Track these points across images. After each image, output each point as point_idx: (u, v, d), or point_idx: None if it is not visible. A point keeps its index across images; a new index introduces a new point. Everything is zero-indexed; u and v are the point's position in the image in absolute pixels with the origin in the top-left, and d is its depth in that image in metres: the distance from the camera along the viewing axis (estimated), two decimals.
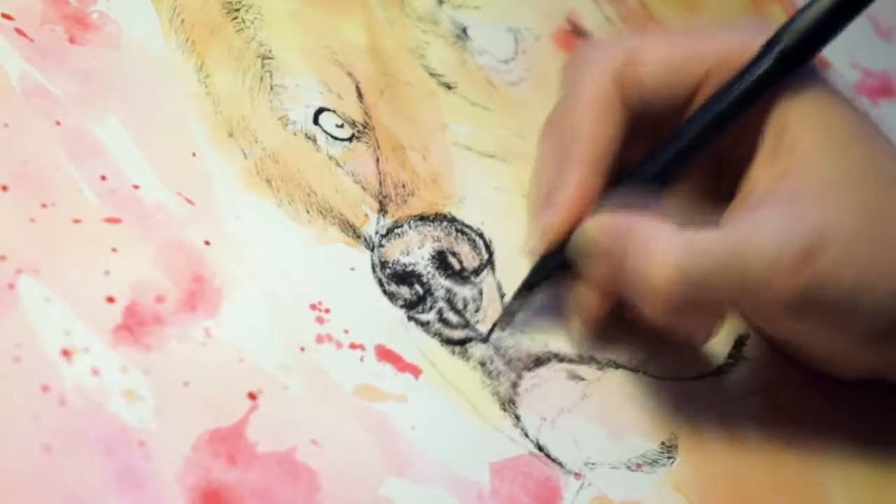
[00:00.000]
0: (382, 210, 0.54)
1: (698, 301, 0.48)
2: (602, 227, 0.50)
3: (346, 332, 0.50)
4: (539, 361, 0.53)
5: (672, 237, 0.48)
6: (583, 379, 0.53)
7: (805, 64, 0.51)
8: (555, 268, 0.52)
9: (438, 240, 0.54)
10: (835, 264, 0.47)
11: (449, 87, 0.58)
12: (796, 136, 0.50)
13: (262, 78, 0.55)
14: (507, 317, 0.53)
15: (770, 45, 0.50)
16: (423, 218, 0.54)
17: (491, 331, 0.52)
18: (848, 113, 0.51)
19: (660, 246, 0.48)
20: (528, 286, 0.53)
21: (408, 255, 0.53)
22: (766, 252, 0.47)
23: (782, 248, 0.47)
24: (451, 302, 0.52)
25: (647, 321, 0.50)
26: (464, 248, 0.54)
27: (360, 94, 0.57)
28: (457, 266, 0.53)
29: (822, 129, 0.50)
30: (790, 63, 0.50)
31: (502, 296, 0.53)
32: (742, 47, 0.51)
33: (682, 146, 0.51)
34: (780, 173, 0.50)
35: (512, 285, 0.53)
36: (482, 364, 0.52)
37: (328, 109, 0.56)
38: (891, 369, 0.53)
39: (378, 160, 0.55)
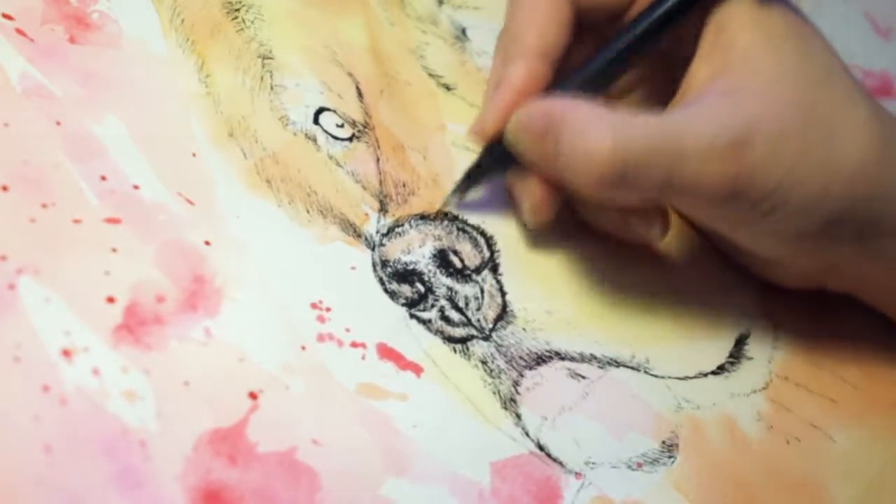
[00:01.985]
0: (383, 209, 0.54)
1: (632, 179, 0.49)
2: (535, 110, 0.51)
3: (348, 330, 0.50)
4: (540, 360, 0.53)
5: (606, 117, 0.49)
6: (584, 378, 0.53)
7: None
8: (501, 156, 0.53)
9: (439, 238, 0.54)
10: (766, 157, 0.49)
11: (448, 88, 0.58)
12: (734, 33, 0.51)
13: (262, 78, 0.55)
14: (455, 196, 0.54)
15: None
16: (423, 217, 0.54)
17: (443, 205, 0.54)
18: (785, 12, 0.52)
19: (594, 125, 0.49)
20: (474, 173, 0.54)
21: (409, 253, 0.53)
22: (700, 138, 0.48)
23: (715, 135, 0.48)
24: (452, 300, 0.52)
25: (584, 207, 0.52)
26: (465, 247, 0.54)
27: (360, 94, 0.57)
28: (458, 264, 0.53)
29: (758, 26, 0.51)
30: None
31: (504, 294, 0.53)
32: None
33: (620, 47, 0.53)
34: (718, 70, 0.51)
35: (513, 283, 0.53)
36: (483, 362, 0.52)
37: (328, 109, 0.56)
38: (828, 277, 0.54)
39: (378, 160, 0.55)
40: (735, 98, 0.50)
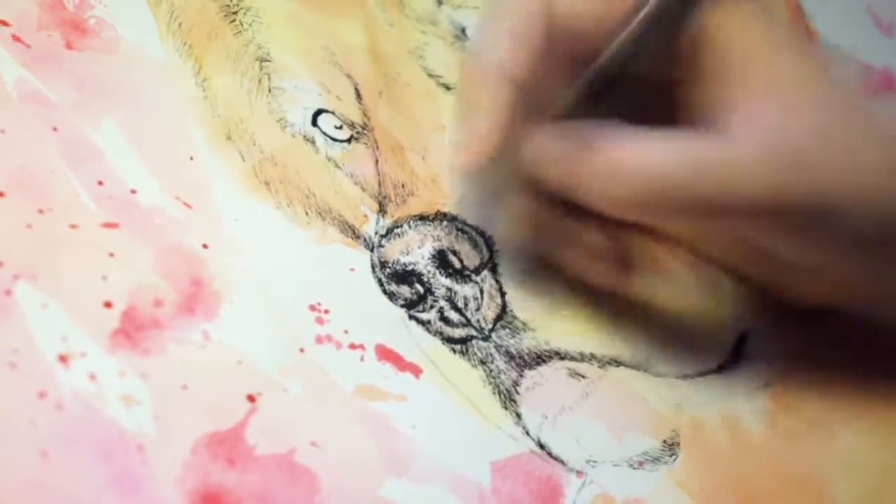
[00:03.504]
0: (382, 210, 0.54)
1: (655, 199, 0.48)
2: (557, 131, 0.50)
3: (346, 332, 0.50)
4: (540, 359, 0.53)
5: (629, 137, 0.48)
6: (584, 377, 0.53)
7: None
8: (486, 181, 0.53)
9: (439, 239, 0.54)
10: (802, 177, 0.48)
11: (448, 88, 0.58)
12: (737, 53, 0.50)
13: (260, 80, 0.55)
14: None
15: None
16: (423, 218, 0.54)
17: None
18: (766, 17, 0.51)
19: (617, 147, 0.48)
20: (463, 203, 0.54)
21: (408, 254, 0.53)
22: (740, 161, 0.48)
23: (756, 159, 0.48)
24: (451, 301, 0.52)
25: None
26: (464, 247, 0.54)
27: (358, 96, 0.57)
28: (457, 265, 0.53)
29: (749, 34, 0.50)
30: None
31: (503, 294, 0.53)
32: None
33: (606, 68, 0.51)
34: (729, 86, 0.50)
35: (512, 284, 0.54)
36: (483, 363, 0.52)
37: (327, 111, 0.56)
38: (841, 297, 0.54)
39: (377, 161, 0.55)
40: (762, 113, 0.49)
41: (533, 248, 0.54)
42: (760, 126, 0.49)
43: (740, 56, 0.50)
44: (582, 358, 0.53)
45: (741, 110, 0.49)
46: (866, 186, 0.49)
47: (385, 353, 0.50)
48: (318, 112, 0.55)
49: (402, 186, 0.55)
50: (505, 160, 0.51)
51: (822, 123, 0.49)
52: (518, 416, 0.51)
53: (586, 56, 0.51)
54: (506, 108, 0.50)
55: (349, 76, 0.57)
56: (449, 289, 0.53)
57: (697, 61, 0.51)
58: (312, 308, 0.50)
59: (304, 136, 0.55)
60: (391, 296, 0.52)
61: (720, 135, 0.49)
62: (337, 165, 0.54)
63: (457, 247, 0.54)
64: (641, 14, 0.50)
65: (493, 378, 0.51)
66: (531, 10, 0.51)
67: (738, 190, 0.48)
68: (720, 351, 0.55)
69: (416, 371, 0.50)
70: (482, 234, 0.55)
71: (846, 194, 0.49)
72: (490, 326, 0.53)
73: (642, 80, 0.52)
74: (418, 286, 0.52)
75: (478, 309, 0.53)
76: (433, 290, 0.53)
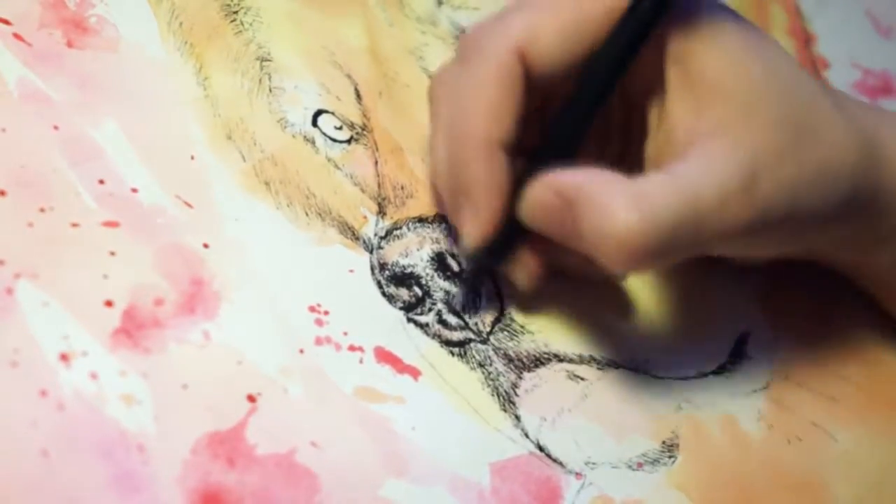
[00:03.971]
0: (381, 212, 0.54)
1: (663, 251, 0.48)
2: (547, 190, 0.50)
3: (346, 333, 0.50)
4: (539, 362, 0.53)
5: (623, 190, 0.48)
6: (583, 379, 0.53)
7: None
8: (495, 252, 0.52)
9: (438, 241, 0.54)
10: (773, 184, 0.48)
11: None
12: (699, 64, 0.50)
13: (260, 80, 0.55)
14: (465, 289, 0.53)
15: None
16: (422, 220, 0.54)
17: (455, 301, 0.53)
18: (737, 25, 0.51)
19: (614, 201, 0.47)
20: (475, 275, 0.53)
21: (407, 256, 0.53)
22: (713, 193, 0.48)
23: (727, 185, 0.48)
24: (450, 303, 0.52)
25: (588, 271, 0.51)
26: None
27: (358, 96, 0.57)
28: (456, 268, 0.53)
29: (720, 51, 0.50)
30: None
31: (501, 297, 0.53)
32: None
33: (585, 103, 0.51)
34: (696, 107, 0.50)
35: (511, 286, 0.53)
36: (482, 365, 0.52)
37: (327, 111, 0.56)
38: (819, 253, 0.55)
39: (377, 162, 0.55)
40: (726, 138, 0.49)
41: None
42: (717, 155, 0.49)
43: (701, 74, 0.50)
44: (580, 360, 0.53)
45: (701, 138, 0.49)
46: (814, 198, 0.50)
47: (384, 356, 0.50)
48: (319, 112, 0.55)
49: (402, 188, 0.55)
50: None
51: (780, 133, 0.49)
52: (517, 417, 0.51)
53: (563, 90, 0.51)
54: (503, 179, 0.50)
55: (349, 76, 0.57)
56: (447, 291, 0.53)
57: (665, 80, 0.51)
58: (312, 309, 0.50)
59: (305, 137, 0.55)
60: (390, 298, 0.52)
61: (687, 168, 0.49)
62: (337, 166, 0.54)
63: (455, 249, 0.54)
64: (614, 38, 0.50)
65: (492, 380, 0.51)
66: (506, 61, 0.50)
67: (706, 229, 0.48)
68: (720, 352, 0.55)
69: (415, 373, 0.50)
70: None
71: (803, 191, 0.49)
72: (488, 329, 0.53)
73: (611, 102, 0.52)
74: (417, 288, 0.52)
75: (476, 312, 0.53)
76: (432, 292, 0.53)
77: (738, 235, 0.49)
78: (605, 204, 0.47)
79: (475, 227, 0.51)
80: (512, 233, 0.51)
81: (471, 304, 0.53)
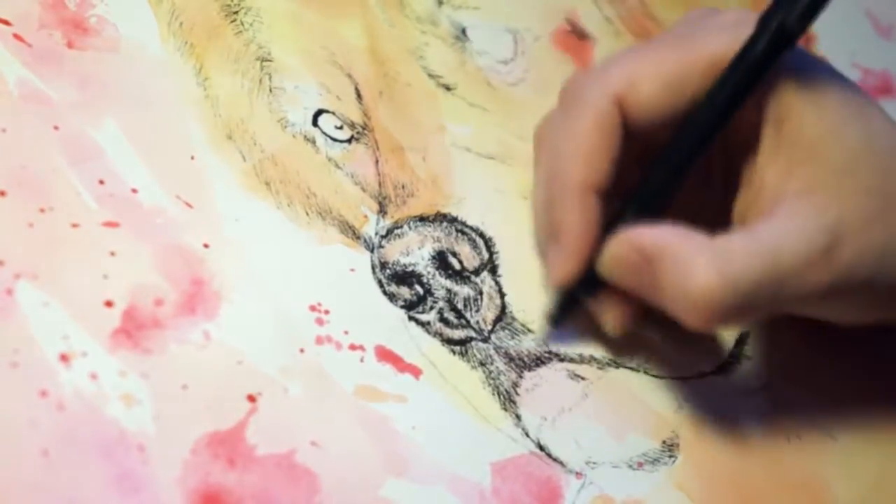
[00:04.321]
0: (382, 211, 0.54)
1: (741, 312, 0.49)
2: (629, 244, 0.50)
3: (346, 333, 0.50)
4: (539, 361, 0.53)
5: (705, 249, 0.48)
6: (583, 378, 0.53)
7: (799, 37, 0.50)
8: (576, 296, 0.52)
9: (438, 240, 0.54)
10: (856, 251, 0.49)
11: (448, 89, 0.58)
12: (797, 124, 0.50)
13: (261, 80, 0.55)
14: (550, 331, 0.54)
15: (765, 20, 0.49)
16: (422, 218, 0.54)
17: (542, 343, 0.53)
18: (842, 89, 0.51)
19: (695, 261, 0.48)
20: (557, 317, 0.53)
21: (408, 255, 0.53)
22: (796, 254, 0.48)
23: (809, 248, 0.48)
24: (451, 302, 0.52)
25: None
26: (464, 248, 0.54)
27: (359, 96, 0.57)
28: (457, 266, 0.53)
29: (820, 114, 0.50)
30: (787, 36, 0.49)
31: (503, 295, 0.53)
32: (732, 44, 0.50)
33: (678, 158, 0.51)
34: (788, 167, 0.50)
35: (512, 285, 0.53)
36: (482, 364, 0.52)
37: (327, 111, 0.56)
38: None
39: (377, 161, 0.55)
40: (814, 199, 0.49)
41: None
42: (803, 217, 0.49)
43: (798, 135, 0.50)
44: (581, 359, 0.53)
45: (788, 199, 0.50)
46: None
47: (385, 354, 0.50)
48: (319, 112, 0.55)
49: (403, 187, 0.55)
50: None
51: (868, 199, 0.49)
52: (518, 417, 0.51)
53: (659, 139, 0.51)
54: (593, 222, 0.51)
55: (349, 76, 0.57)
56: (449, 290, 0.53)
57: (760, 137, 0.51)
58: (313, 308, 0.50)
59: (305, 136, 0.55)
60: (391, 297, 0.52)
61: (770, 228, 0.49)
62: (337, 166, 0.54)
63: (457, 248, 0.54)
64: (717, 89, 0.50)
65: (493, 379, 0.51)
66: (605, 109, 0.51)
67: (786, 291, 0.48)
68: (720, 352, 0.55)
69: (416, 372, 0.50)
70: (482, 235, 0.55)
71: (889, 259, 0.49)
72: (489, 328, 0.53)
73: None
74: (418, 287, 0.52)
75: (477, 310, 0.53)
76: (433, 291, 0.53)
77: (817, 299, 0.49)
78: (686, 262, 0.48)
79: (559, 267, 0.51)
80: (598, 276, 0.51)
81: (472, 303, 0.53)
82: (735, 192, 0.53)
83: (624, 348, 0.54)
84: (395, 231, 0.54)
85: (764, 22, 0.49)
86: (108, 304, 0.47)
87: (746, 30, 0.50)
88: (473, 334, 0.52)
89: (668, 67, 0.51)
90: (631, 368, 0.53)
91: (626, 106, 0.51)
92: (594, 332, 0.53)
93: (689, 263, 0.48)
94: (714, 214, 0.52)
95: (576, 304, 0.53)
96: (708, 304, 0.47)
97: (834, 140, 0.50)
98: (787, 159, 0.50)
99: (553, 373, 0.52)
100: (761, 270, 0.48)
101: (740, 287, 0.47)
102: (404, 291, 0.52)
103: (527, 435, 0.51)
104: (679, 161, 0.51)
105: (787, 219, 0.49)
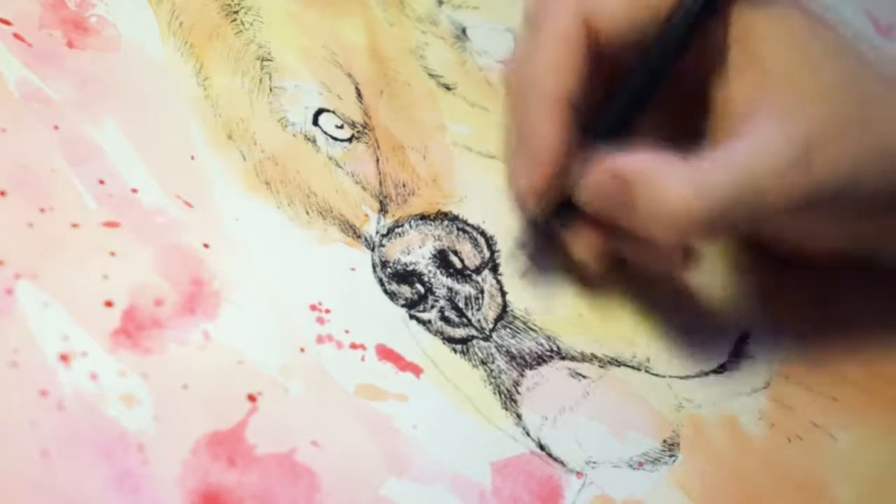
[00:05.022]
0: (383, 210, 0.54)
1: (719, 226, 0.50)
2: (605, 172, 0.51)
3: (347, 332, 0.50)
4: (541, 359, 0.53)
5: (678, 169, 0.49)
6: (584, 377, 0.53)
7: None
8: (550, 215, 0.53)
9: (439, 238, 0.54)
10: (829, 161, 0.49)
11: (448, 88, 0.58)
12: (765, 45, 0.51)
13: (261, 80, 0.55)
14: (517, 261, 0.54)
15: None
16: (423, 217, 0.54)
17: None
18: (805, 14, 0.52)
19: (671, 181, 0.49)
20: (526, 243, 0.54)
21: (408, 254, 0.53)
22: (770, 168, 0.49)
23: (782, 160, 0.49)
24: (452, 300, 0.52)
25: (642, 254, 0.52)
26: (465, 247, 0.54)
27: (359, 95, 0.57)
28: (458, 264, 0.53)
29: (786, 34, 0.51)
30: None
31: (504, 294, 0.53)
32: None
33: (646, 78, 0.52)
34: (757, 86, 0.51)
35: (513, 283, 0.54)
36: (484, 363, 0.52)
37: (328, 110, 0.56)
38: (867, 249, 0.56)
39: (378, 160, 0.55)
40: (781, 114, 0.50)
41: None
42: (777, 133, 0.50)
43: (768, 61, 0.51)
44: (583, 358, 0.53)
45: (761, 119, 0.50)
46: (882, 159, 0.50)
47: (386, 353, 0.50)
48: (319, 111, 0.55)
49: (403, 186, 0.55)
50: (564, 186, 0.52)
51: (837, 109, 0.50)
52: (518, 416, 0.51)
53: (626, 60, 0.52)
54: (564, 133, 0.51)
55: (350, 75, 0.57)
56: (450, 289, 0.53)
57: (727, 58, 0.52)
58: (313, 308, 0.50)
59: (305, 136, 0.55)
60: (392, 295, 0.52)
61: (744, 146, 0.50)
62: (338, 165, 0.54)
63: (457, 246, 0.54)
64: (679, 11, 0.51)
65: (494, 378, 0.51)
66: (571, 24, 0.51)
67: (764, 204, 0.49)
68: (720, 351, 0.55)
69: (417, 371, 0.50)
70: (483, 233, 0.55)
71: (863, 170, 0.50)
72: (491, 326, 0.53)
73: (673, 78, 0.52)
74: (419, 286, 0.52)
75: (478, 309, 0.53)
76: (434, 289, 0.53)
77: (793, 211, 0.50)
78: (661, 181, 0.49)
79: (527, 177, 0.52)
80: (571, 206, 0.52)
81: (473, 302, 0.53)
82: (699, 118, 0.53)
83: (624, 348, 0.54)
84: (396, 230, 0.54)
85: None
86: (108, 304, 0.47)
87: None
88: (475, 333, 0.52)
89: None
90: (632, 367, 0.53)
91: (593, 22, 0.51)
92: (568, 264, 0.54)
93: (665, 180, 0.49)
94: (687, 142, 0.52)
95: (545, 229, 0.53)
96: (683, 215, 0.48)
97: (799, 58, 0.51)
98: (754, 79, 0.51)
99: (554, 371, 0.52)
100: (736, 183, 0.49)
101: (715, 199, 0.48)
102: (405, 290, 0.52)
103: (527, 434, 0.51)
104: (647, 77, 0.52)
105: (760, 135, 0.50)
